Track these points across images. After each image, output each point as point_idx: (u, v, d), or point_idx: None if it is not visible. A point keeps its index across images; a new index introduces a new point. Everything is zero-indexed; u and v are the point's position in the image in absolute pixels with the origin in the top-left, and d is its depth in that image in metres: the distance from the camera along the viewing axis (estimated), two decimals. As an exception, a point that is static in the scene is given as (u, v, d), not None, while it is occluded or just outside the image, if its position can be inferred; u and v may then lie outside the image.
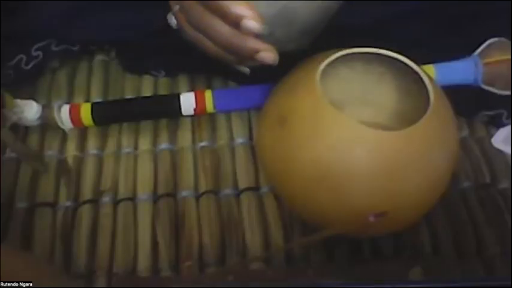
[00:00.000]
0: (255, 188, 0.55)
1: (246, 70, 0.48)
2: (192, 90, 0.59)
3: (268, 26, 0.42)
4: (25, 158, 0.56)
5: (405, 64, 0.47)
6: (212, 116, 0.60)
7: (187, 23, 0.46)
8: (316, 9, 0.44)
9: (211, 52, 0.46)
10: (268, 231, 0.52)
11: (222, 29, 0.43)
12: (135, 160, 0.57)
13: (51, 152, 0.58)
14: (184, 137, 0.59)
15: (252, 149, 0.57)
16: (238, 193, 0.55)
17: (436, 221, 0.52)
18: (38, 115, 0.57)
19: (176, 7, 0.46)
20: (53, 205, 0.54)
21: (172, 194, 0.55)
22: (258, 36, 0.42)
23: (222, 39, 0.43)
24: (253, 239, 0.51)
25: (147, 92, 0.62)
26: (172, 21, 0.47)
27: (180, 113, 0.58)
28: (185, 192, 0.55)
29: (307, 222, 0.50)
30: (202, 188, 0.55)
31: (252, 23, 0.40)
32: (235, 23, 0.41)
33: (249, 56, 0.43)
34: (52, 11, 0.60)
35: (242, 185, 0.55)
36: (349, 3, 0.45)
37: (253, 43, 0.42)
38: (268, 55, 0.43)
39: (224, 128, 0.59)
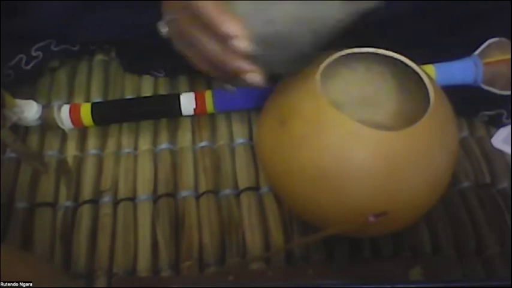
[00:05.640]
0: (255, 188, 0.55)
1: (232, 89, 0.47)
2: (192, 90, 0.59)
3: (260, 47, 0.41)
4: (25, 158, 0.56)
5: (405, 64, 0.47)
6: (212, 116, 0.60)
7: (177, 35, 0.45)
8: (309, 36, 0.42)
9: (200, 67, 0.45)
10: (268, 231, 0.52)
11: (211, 45, 0.42)
12: (135, 160, 0.57)
13: (51, 152, 0.58)
14: (184, 137, 0.59)
15: (252, 149, 0.57)
16: (238, 193, 0.55)
17: (436, 221, 0.52)
18: (38, 115, 0.57)
19: (168, 17, 0.45)
20: (53, 205, 0.54)
21: (172, 194, 0.55)
22: (248, 57, 0.41)
23: (209, 55, 0.42)
24: (253, 239, 0.51)
25: (147, 92, 0.62)
26: (164, 29, 0.46)
27: (180, 113, 0.58)
28: (185, 192, 0.55)
29: (307, 222, 0.50)
30: (202, 188, 0.55)
31: (241, 42, 0.39)
32: (224, 40, 0.40)
33: (234, 76, 0.43)
34: (52, 11, 0.60)
35: (242, 185, 0.55)
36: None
37: (240, 63, 0.41)
38: (254, 76, 0.42)
39: (224, 128, 0.59)
